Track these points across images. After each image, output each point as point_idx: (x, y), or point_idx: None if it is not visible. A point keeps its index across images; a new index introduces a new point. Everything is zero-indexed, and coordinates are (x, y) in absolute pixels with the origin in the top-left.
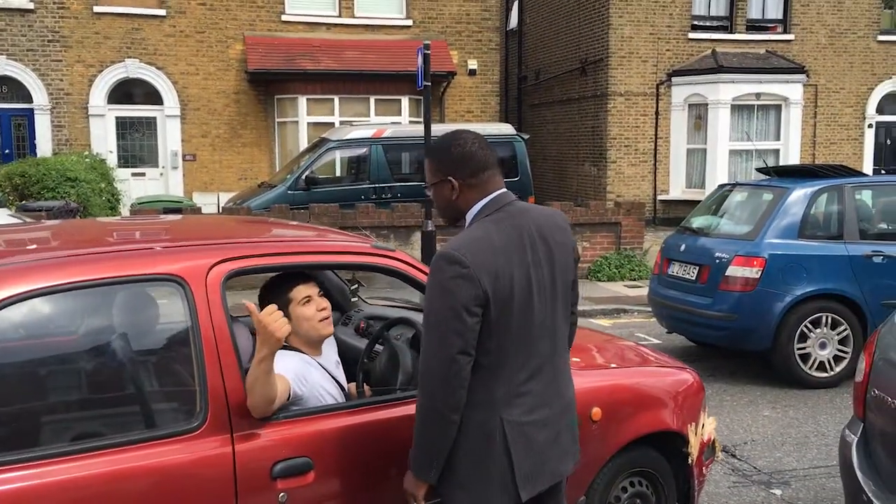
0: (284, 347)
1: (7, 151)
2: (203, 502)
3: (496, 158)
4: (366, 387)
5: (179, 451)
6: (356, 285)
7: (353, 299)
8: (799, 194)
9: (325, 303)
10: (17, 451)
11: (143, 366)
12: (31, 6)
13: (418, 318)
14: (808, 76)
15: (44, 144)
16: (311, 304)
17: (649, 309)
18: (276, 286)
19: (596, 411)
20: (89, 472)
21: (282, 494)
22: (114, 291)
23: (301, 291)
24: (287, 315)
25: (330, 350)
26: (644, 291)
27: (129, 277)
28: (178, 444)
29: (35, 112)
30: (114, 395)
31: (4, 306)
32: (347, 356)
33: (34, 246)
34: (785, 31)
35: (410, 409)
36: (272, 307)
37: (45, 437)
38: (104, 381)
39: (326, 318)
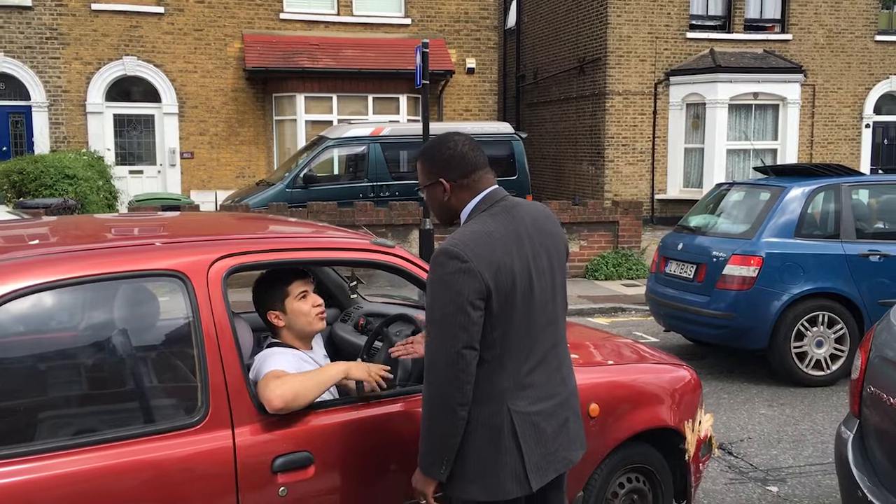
0: (276, 344)
1: (4, 149)
2: (204, 496)
3: (486, 159)
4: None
5: (181, 445)
6: (355, 282)
7: (352, 296)
8: (796, 193)
9: (320, 299)
10: (20, 444)
11: (145, 361)
12: (29, 3)
13: (417, 314)
14: (805, 76)
15: (41, 142)
16: (307, 299)
17: (647, 308)
18: (273, 281)
19: (594, 407)
20: (92, 465)
21: (282, 488)
22: (116, 286)
23: (298, 286)
24: (283, 309)
25: (318, 346)
26: (641, 290)
27: (131, 273)
28: (180, 439)
29: (33, 109)
30: (116, 390)
31: (10, 300)
32: (346, 352)
33: (36, 241)
34: (783, 31)
35: (409, 404)
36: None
37: (47, 431)
38: (107, 375)
39: (321, 314)
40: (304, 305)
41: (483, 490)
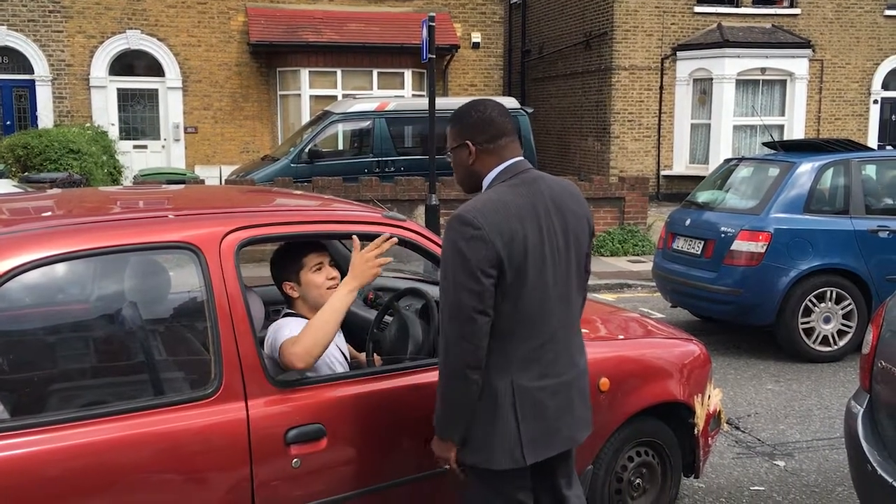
0: (291, 314)
1: (8, 123)
2: (218, 467)
3: (514, 127)
4: (376, 356)
5: (194, 417)
6: None
7: None
8: (805, 168)
9: (335, 272)
10: (35, 415)
11: (159, 333)
12: None
13: (427, 288)
14: (813, 51)
15: (45, 116)
16: (321, 272)
17: (653, 284)
18: (290, 252)
19: (604, 382)
20: (105, 436)
21: (295, 460)
22: (129, 259)
23: (313, 259)
24: (298, 281)
25: None
26: (647, 266)
27: (144, 245)
28: (193, 411)
29: (36, 83)
30: (130, 362)
31: (25, 271)
32: (357, 327)
33: (49, 213)
34: (791, 6)
35: (420, 378)
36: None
37: (63, 402)
38: (122, 347)
39: (333, 287)
40: (318, 278)
41: (483, 458)
